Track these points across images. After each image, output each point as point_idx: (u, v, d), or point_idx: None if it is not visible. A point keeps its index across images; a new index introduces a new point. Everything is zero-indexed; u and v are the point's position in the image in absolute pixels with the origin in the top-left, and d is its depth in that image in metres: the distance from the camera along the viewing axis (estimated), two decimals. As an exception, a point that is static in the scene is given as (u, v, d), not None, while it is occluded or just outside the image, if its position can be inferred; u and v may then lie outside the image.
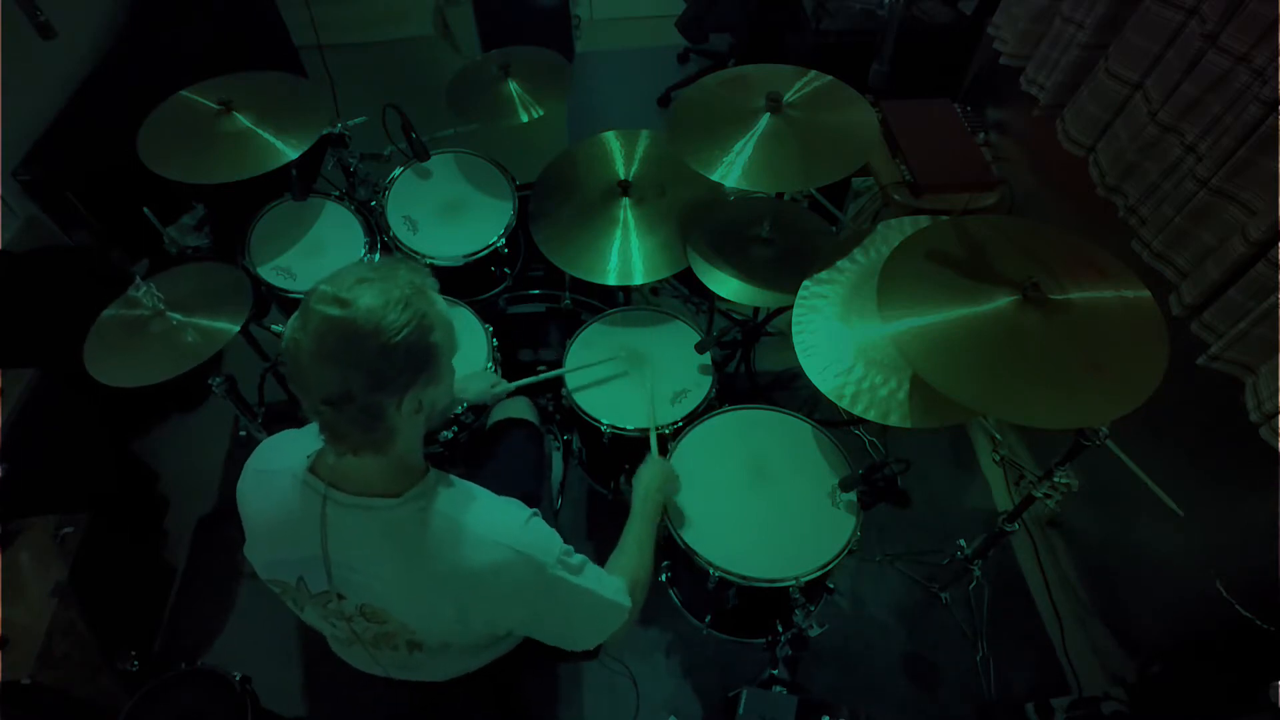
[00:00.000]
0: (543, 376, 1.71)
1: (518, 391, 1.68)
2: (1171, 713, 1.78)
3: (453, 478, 1.03)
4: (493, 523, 0.99)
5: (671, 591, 1.75)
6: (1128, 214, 1.66)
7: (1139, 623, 1.90)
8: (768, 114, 1.58)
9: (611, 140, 2.00)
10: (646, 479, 1.40)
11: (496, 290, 2.15)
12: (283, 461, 1.01)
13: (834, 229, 1.94)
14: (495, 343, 1.84)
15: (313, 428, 0.93)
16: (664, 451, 1.58)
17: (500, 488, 1.07)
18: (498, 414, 1.72)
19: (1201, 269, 1.44)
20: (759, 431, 1.65)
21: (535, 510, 1.05)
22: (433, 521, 0.95)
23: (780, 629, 1.61)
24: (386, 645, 1.10)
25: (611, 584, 1.12)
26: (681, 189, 1.87)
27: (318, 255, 1.98)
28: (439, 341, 0.91)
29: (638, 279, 1.78)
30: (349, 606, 1.03)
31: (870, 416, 1.39)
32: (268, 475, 1.03)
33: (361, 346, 0.84)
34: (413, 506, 0.95)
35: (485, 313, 1.91)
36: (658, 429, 1.64)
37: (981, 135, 2.28)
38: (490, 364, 1.79)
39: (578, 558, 1.06)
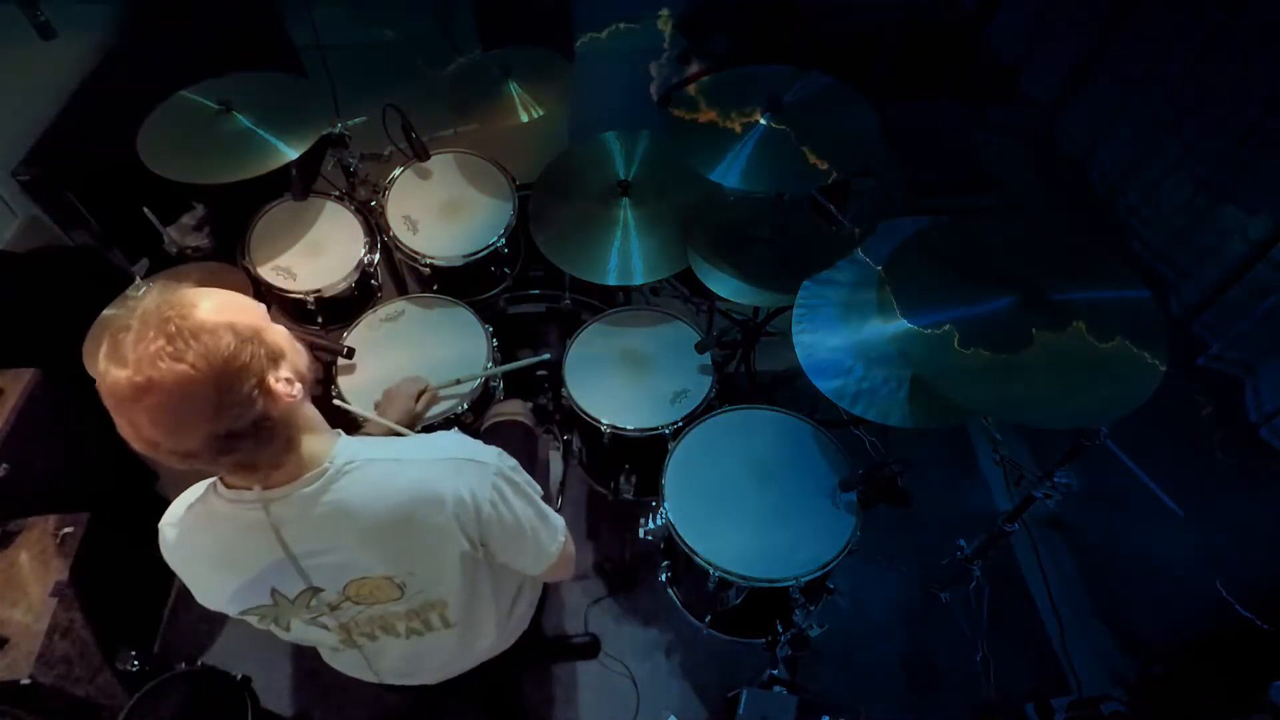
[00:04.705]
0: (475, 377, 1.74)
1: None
2: (1171, 713, 1.78)
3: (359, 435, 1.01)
4: (426, 445, 1.00)
5: (671, 591, 1.75)
6: (1128, 214, 1.66)
7: (1139, 623, 1.90)
8: (768, 114, 1.58)
9: (611, 140, 2.00)
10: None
11: (496, 290, 2.15)
12: (185, 502, 0.99)
13: (834, 229, 1.94)
14: (495, 343, 1.84)
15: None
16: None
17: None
18: (492, 416, 1.72)
19: (1201, 269, 1.45)
20: (759, 431, 1.65)
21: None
22: (370, 468, 0.94)
23: (780, 629, 1.61)
24: (385, 631, 1.10)
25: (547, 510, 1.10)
26: (681, 189, 1.87)
27: (318, 255, 1.98)
28: (237, 319, 0.80)
29: (638, 279, 1.78)
30: (332, 595, 1.01)
31: (870, 416, 1.39)
32: (186, 520, 1.00)
33: (202, 388, 0.75)
34: (341, 462, 0.93)
35: (485, 313, 1.91)
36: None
37: (982, 135, 2.28)
38: (490, 364, 1.79)
39: (521, 473, 1.05)
